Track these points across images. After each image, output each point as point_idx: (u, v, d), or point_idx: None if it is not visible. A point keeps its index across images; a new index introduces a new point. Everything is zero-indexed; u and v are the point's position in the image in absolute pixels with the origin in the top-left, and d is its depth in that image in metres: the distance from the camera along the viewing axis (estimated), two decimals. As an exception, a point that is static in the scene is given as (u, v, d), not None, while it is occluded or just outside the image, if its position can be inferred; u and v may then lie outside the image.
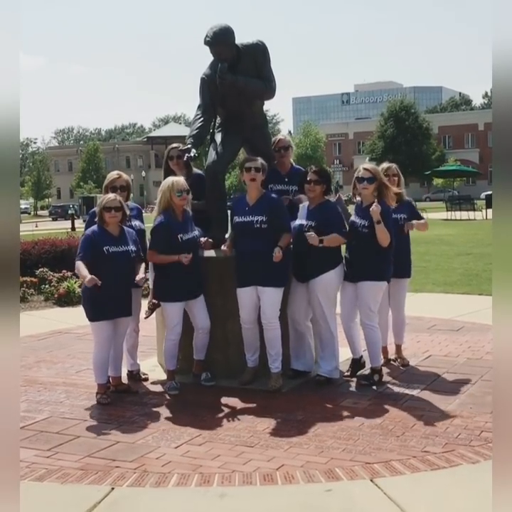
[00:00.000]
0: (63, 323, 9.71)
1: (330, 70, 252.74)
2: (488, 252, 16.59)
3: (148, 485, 4.29)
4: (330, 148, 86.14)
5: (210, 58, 6.62)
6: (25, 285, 12.11)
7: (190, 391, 6.19)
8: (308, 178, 6.12)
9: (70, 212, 43.71)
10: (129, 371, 6.67)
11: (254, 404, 5.79)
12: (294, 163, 7.05)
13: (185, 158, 6.37)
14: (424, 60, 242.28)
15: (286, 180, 6.75)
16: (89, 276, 5.56)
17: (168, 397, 6.06)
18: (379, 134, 70.52)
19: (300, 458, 4.62)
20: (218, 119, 6.94)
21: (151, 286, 6.63)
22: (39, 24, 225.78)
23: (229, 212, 6.45)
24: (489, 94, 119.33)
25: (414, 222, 6.65)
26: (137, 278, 5.94)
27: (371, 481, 4.24)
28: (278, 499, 4.06)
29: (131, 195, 6.65)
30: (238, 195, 6.50)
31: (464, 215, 33.93)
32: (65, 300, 11.49)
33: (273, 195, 6.26)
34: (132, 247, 5.95)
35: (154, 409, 5.77)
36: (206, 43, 6.41)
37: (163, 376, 6.63)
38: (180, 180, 6.04)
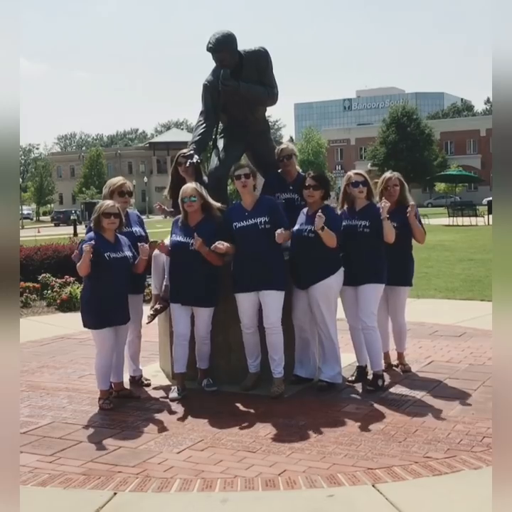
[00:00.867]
0: (66, 329, 9.72)
1: (332, 76, 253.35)
2: (490, 258, 16.58)
3: (150, 490, 4.29)
4: (332, 154, 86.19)
5: (213, 65, 6.65)
6: (27, 291, 12.14)
7: (192, 396, 6.20)
8: (306, 184, 6.16)
9: (72, 217, 43.76)
10: (131, 376, 6.68)
11: (257, 410, 5.80)
12: (300, 171, 6.98)
13: (187, 164, 6.39)
14: (426, 66, 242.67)
15: (291, 188, 6.72)
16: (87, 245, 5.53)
17: (170, 403, 6.07)
18: (381, 140, 70.59)
19: (302, 463, 4.62)
20: (220, 125, 6.96)
21: (153, 292, 6.64)
22: (42, 31, 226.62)
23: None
24: (491, 100, 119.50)
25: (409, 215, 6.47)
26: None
27: (373, 486, 4.24)
28: (280, 505, 4.06)
29: (133, 200, 6.66)
30: (232, 205, 6.51)
31: (466, 221, 33.94)
32: (68, 306, 11.50)
33: (269, 197, 6.31)
34: (129, 253, 5.95)
35: (156, 415, 5.77)
36: (209, 49, 6.44)
37: (166, 381, 6.65)
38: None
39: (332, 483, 4.30)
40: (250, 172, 6.12)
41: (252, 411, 5.79)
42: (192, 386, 6.38)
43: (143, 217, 6.88)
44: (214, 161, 6.81)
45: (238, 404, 5.94)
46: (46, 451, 5.00)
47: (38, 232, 38.29)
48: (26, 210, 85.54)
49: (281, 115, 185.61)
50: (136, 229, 6.46)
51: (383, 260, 6.24)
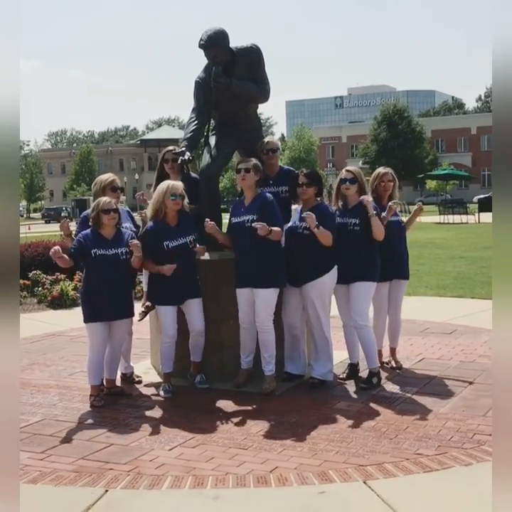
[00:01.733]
0: (56, 326, 9.70)
1: (323, 74, 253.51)
2: (481, 256, 16.67)
3: (141, 487, 4.29)
4: (323, 151, 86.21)
5: (205, 61, 6.64)
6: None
7: (183, 393, 6.19)
8: (299, 182, 6.15)
9: (63, 214, 43.64)
10: (122, 373, 6.66)
11: (248, 407, 5.80)
12: (283, 166, 6.94)
13: (179, 161, 6.37)
14: (418, 64, 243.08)
15: (271, 182, 6.60)
16: None
17: (161, 400, 6.06)
18: (372, 138, 70.64)
19: (293, 460, 4.63)
20: (212, 122, 6.95)
21: (145, 289, 6.63)
22: (35, 27, 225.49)
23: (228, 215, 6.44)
24: (482, 98, 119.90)
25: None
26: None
27: (364, 483, 4.25)
28: (271, 501, 4.07)
29: (124, 197, 6.66)
30: (237, 200, 6.47)
31: (456, 218, 34.00)
32: (58, 303, 11.48)
33: (267, 194, 6.23)
34: (124, 249, 5.92)
35: (148, 412, 5.77)
36: (201, 46, 6.43)
37: (157, 378, 6.64)
38: (176, 184, 6.03)
39: (323, 479, 4.31)
40: (252, 167, 6.03)
41: (243, 408, 5.79)
42: (184, 383, 6.38)
43: (134, 214, 6.85)
44: (206, 158, 6.79)
45: (230, 402, 5.93)
46: (37, 449, 4.99)
47: (29, 229, 38.11)
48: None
49: (272, 113, 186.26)
50: (127, 225, 6.46)
51: (375, 258, 6.24)
